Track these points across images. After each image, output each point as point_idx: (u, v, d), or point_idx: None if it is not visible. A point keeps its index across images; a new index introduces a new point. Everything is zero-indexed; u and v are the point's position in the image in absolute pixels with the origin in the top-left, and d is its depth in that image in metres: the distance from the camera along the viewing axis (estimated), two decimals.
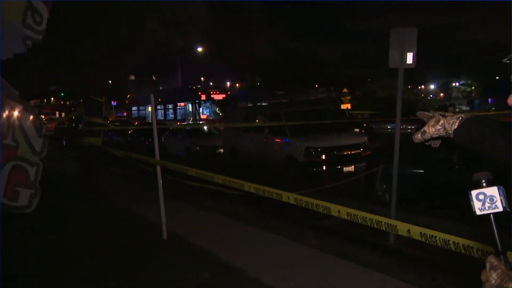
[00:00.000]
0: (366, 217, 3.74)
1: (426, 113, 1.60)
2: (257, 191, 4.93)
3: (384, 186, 10.00)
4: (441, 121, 1.51)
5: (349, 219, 3.87)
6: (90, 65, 9.50)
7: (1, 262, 6.13)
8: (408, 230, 3.43)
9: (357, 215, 3.80)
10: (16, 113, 6.01)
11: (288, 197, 4.51)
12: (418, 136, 1.57)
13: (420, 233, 3.33)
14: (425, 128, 1.55)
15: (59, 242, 7.46)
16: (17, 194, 6.11)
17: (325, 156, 12.88)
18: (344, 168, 13.35)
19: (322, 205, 4.14)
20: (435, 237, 3.23)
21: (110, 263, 6.39)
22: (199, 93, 32.45)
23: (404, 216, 7.98)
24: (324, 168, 12.59)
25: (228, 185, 5.64)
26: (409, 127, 23.55)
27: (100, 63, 9.53)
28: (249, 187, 5.04)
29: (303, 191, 8.15)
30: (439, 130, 1.51)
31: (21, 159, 6.07)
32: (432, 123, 1.54)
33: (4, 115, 5.96)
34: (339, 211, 3.96)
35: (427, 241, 3.27)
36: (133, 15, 8.93)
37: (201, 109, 32.24)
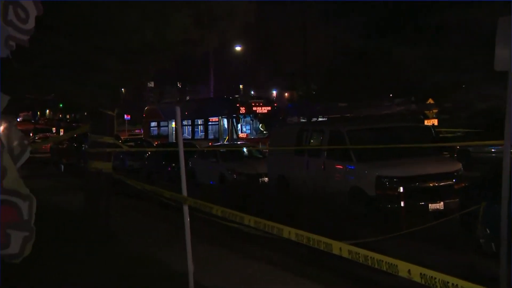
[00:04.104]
0: (448, 282, 3.68)
1: None
2: (299, 238, 4.98)
3: (488, 231, 9.68)
4: None
5: (424, 282, 3.83)
6: (100, 70, 9.60)
7: None
8: None
9: (436, 278, 3.74)
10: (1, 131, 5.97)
11: (340, 248, 4.53)
12: None
13: None
14: None
15: None
16: (8, 238, 6.00)
17: (404, 189, 12.64)
18: (430, 205, 13.08)
19: (385, 261, 4.13)
20: None
21: None
22: (238, 105, 32.66)
23: None
24: (402, 204, 12.35)
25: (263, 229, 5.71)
26: None
27: (113, 68, 9.62)
28: (289, 233, 5.09)
29: (375, 237, 7.99)
30: None
31: (10, 192, 5.99)
32: None
33: None
34: (409, 271, 3.93)
35: None
36: (159, 8, 9.01)
37: (239, 125, 32.44)
